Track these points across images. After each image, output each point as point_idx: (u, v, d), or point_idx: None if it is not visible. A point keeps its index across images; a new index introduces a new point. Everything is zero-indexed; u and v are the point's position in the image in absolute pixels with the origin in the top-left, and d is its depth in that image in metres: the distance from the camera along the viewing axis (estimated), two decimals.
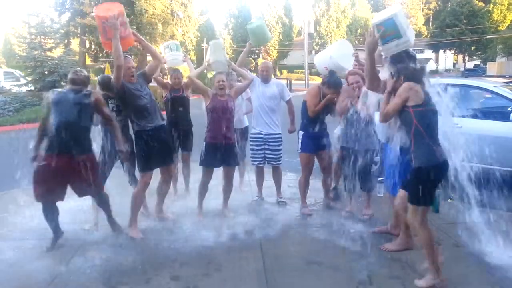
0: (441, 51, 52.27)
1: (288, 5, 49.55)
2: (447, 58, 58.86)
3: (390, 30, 3.34)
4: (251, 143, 5.11)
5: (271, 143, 5.02)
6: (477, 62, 51.23)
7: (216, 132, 4.40)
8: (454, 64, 58.34)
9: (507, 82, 7.75)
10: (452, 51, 51.60)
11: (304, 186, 4.88)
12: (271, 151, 5.03)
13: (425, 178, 3.07)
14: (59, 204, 3.95)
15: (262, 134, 5.01)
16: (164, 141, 4.30)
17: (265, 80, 5.05)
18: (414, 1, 75.04)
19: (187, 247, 3.98)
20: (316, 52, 48.83)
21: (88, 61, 31.64)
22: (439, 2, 62.57)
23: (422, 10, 76.12)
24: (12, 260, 3.73)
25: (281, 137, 5.09)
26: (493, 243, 3.72)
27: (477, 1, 47.30)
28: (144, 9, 25.91)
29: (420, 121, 3.06)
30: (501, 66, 41.13)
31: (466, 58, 51.16)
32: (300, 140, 4.76)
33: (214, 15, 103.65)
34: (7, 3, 75.73)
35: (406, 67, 3.24)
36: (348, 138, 4.43)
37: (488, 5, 48.18)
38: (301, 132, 4.74)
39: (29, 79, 18.09)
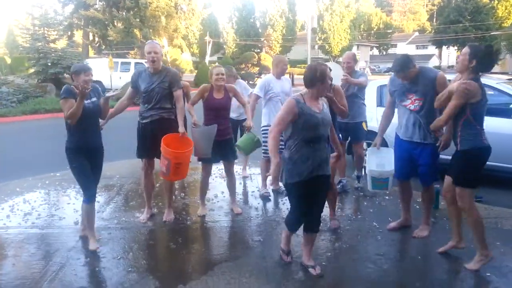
0: (444, 47, 52.05)
1: None
2: (450, 54, 58.57)
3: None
4: (265, 136, 5.03)
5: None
6: None
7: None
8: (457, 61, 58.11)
9: (510, 79, 7.72)
10: (456, 48, 51.27)
11: None
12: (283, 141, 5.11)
13: (470, 160, 3.24)
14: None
15: None
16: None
17: (282, 75, 5.18)
18: None
19: (193, 244, 4.02)
20: (320, 47, 48.58)
21: (91, 53, 31.62)
22: None
23: (426, 6, 75.76)
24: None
25: None
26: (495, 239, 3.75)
27: None
28: (148, 2, 25.84)
29: (471, 112, 3.18)
30: (505, 63, 40.97)
31: None
32: None
33: (218, 9, 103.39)
34: None
35: (482, 51, 3.20)
36: None
37: (492, 2, 47.87)
38: None
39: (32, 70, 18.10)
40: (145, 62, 4.32)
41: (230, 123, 4.64)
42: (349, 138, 5.59)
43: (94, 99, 3.65)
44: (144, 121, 4.22)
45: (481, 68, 3.20)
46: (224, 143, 4.43)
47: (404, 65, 3.70)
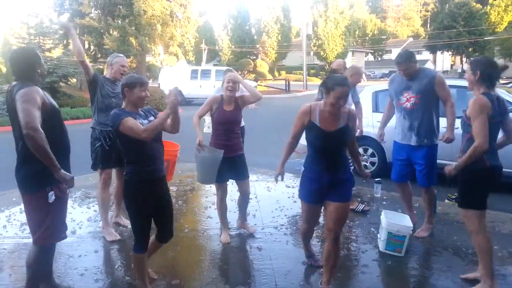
0: (438, 53, 52.45)
1: (287, 6, 49.60)
2: (444, 60, 59.03)
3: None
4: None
5: None
6: None
7: (221, 146, 3.94)
8: (452, 66, 58.53)
9: (504, 84, 7.78)
10: (450, 53, 51.78)
11: (305, 235, 3.51)
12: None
13: (470, 180, 3.01)
14: None
15: None
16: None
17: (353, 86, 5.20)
18: (412, 2, 75.28)
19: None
20: (315, 53, 48.75)
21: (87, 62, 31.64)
22: (437, 4, 62.72)
23: (420, 12, 76.36)
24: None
25: None
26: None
27: (475, 3, 47.50)
28: (143, 10, 25.90)
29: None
30: None
31: (464, 59, 51.31)
32: (300, 180, 3.21)
33: (213, 16, 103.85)
34: (5, 4, 75.53)
35: (482, 60, 3.08)
36: None
37: (485, 7, 48.38)
38: (302, 168, 3.16)
39: None
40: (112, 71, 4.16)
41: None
42: None
43: (151, 118, 2.97)
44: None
45: (487, 77, 2.99)
46: (236, 159, 4.04)
47: (407, 57, 3.87)
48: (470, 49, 47.70)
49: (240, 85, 4.01)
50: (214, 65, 48.49)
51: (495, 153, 3.01)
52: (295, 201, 5.27)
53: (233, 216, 4.46)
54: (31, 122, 2.44)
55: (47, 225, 2.75)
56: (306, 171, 3.08)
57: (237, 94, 4.05)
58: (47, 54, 18.82)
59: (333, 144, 2.94)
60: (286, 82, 30.57)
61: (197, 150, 3.89)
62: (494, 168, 2.98)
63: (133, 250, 2.97)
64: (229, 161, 3.94)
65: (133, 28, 26.39)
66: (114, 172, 4.35)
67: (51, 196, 2.69)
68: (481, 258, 3.06)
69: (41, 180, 2.66)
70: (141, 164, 2.84)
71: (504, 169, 3.50)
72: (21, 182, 2.72)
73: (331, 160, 2.97)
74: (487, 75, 2.98)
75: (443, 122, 4.00)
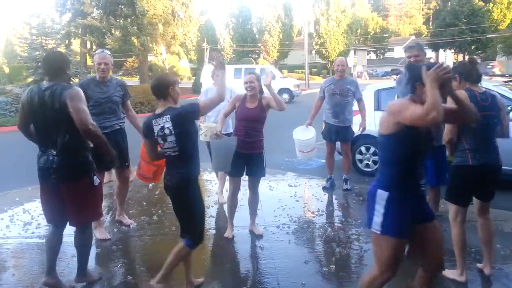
0: (441, 50, 52.20)
1: (288, 4, 49.48)
2: (447, 57, 58.80)
3: None
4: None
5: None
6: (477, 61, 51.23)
7: (242, 142, 3.94)
8: (454, 63, 58.46)
9: (506, 81, 7.74)
10: (452, 50, 51.52)
11: None
12: None
13: (453, 176, 3.20)
14: None
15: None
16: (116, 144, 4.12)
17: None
18: (414, 0, 75.03)
19: None
20: (317, 52, 48.56)
21: (89, 62, 31.65)
22: (439, 2, 62.53)
23: (422, 10, 76.16)
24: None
25: None
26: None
27: (477, 0, 47.30)
28: (145, 10, 25.91)
29: (460, 128, 3.12)
30: (501, 65, 41.29)
31: (466, 57, 51.15)
32: (379, 210, 2.37)
33: (214, 15, 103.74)
34: (8, 4, 75.73)
35: (458, 66, 3.26)
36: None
37: (488, 4, 48.16)
38: (382, 193, 2.37)
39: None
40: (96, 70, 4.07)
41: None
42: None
43: None
44: (104, 132, 3.92)
45: (468, 75, 3.13)
46: (253, 157, 4.02)
47: (420, 45, 4.00)
48: (472, 47, 47.50)
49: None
50: None
51: (482, 150, 3.06)
52: (297, 200, 5.28)
53: (237, 214, 4.46)
54: (89, 119, 2.82)
55: (92, 205, 3.12)
56: (393, 194, 2.33)
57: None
58: None
59: (427, 146, 2.42)
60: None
61: (212, 138, 4.00)
62: (477, 167, 3.05)
63: (188, 244, 3.01)
64: (246, 158, 3.99)
65: (135, 27, 26.39)
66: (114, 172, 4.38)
67: (96, 180, 3.07)
68: (454, 248, 3.23)
69: (86, 167, 3.04)
70: (197, 159, 2.99)
71: (507, 167, 3.53)
72: (69, 171, 2.98)
73: (420, 169, 2.44)
74: (466, 73, 3.13)
75: None
